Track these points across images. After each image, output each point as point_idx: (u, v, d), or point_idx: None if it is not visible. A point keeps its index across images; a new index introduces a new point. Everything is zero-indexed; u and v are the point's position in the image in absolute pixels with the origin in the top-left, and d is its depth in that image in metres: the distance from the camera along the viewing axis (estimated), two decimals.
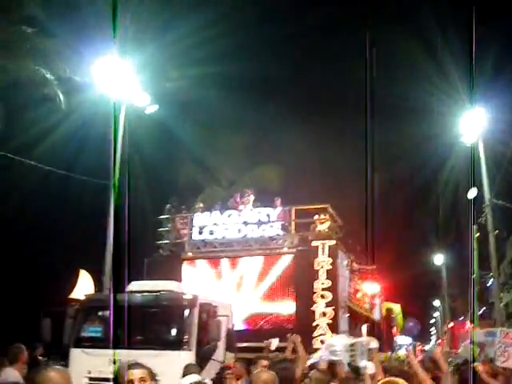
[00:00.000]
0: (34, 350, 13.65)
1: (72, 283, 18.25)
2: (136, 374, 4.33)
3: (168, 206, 19.94)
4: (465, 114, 21.98)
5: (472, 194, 21.30)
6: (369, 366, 9.09)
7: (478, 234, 26.03)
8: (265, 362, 7.42)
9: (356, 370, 9.10)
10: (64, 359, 12.27)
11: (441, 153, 26.87)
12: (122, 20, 16.90)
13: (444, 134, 24.69)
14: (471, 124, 21.81)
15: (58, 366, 4.22)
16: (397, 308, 34.18)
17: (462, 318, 46.85)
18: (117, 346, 10.13)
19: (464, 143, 22.17)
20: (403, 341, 46.51)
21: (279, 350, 10.86)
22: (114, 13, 11.02)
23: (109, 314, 11.76)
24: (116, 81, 16.98)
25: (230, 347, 12.70)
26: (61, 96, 17.34)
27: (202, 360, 11.34)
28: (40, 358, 13.67)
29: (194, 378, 6.60)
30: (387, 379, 5.66)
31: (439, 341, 66.45)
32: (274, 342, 11.26)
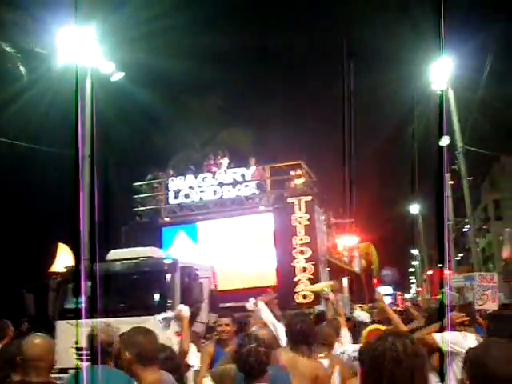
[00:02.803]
0: (20, 326, 13.65)
1: (51, 257, 18.17)
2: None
3: (149, 175, 19.90)
4: (434, 62, 21.90)
5: (444, 141, 21.43)
6: (363, 316, 9.34)
7: (452, 182, 26.28)
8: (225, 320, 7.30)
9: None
10: (49, 332, 12.27)
11: (412, 101, 26.86)
12: None
13: (415, 83, 24.65)
14: (440, 71, 21.76)
15: (41, 334, 4.25)
16: (370, 248, 34.46)
17: (441, 265, 47.56)
18: (100, 315, 10.12)
19: (434, 91, 22.16)
20: (384, 291, 47.22)
21: None
22: None
23: (90, 284, 11.72)
24: (80, 50, 16.66)
25: (212, 308, 12.79)
26: (22, 68, 17.09)
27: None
28: (26, 332, 13.64)
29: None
30: (373, 326, 5.91)
31: (419, 289, 67.64)
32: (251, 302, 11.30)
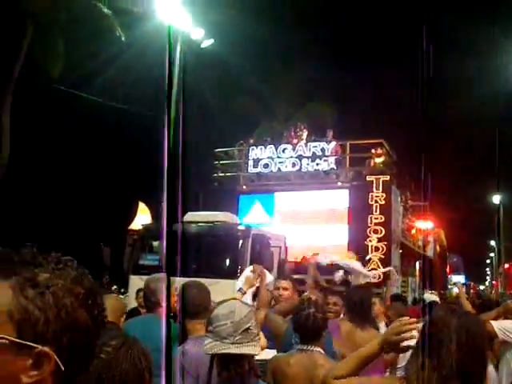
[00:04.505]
0: (101, 278, 14.29)
1: (132, 215, 18.78)
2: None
3: (237, 143, 20.22)
4: None
5: None
6: (431, 298, 9.39)
7: None
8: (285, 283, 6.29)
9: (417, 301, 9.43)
10: (124, 286, 12.81)
11: (503, 87, 26.00)
12: None
13: (507, 69, 23.87)
14: None
15: (113, 294, 4.69)
16: (441, 234, 33.89)
17: None
18: (172, 273, 10.46)
19: None
20: (457, 279, 46.43)
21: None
22: None
23: (165, 243, 12.08)
24: (172, 15, 16.97)
25: (281, 278, 12.93)
26: (119, 29, 17.58)
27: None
28: (105, 284, 14.28)
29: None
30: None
31: (494, 281, 65.88)
32: (338, 275, 11.32)
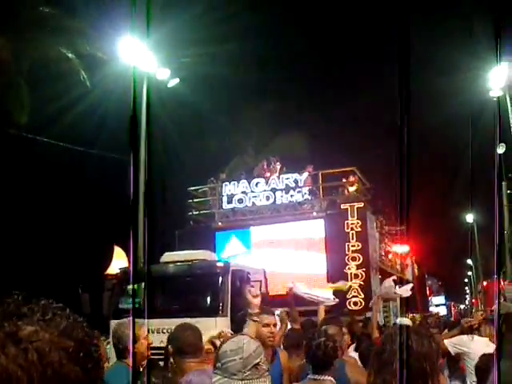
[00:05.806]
0: None
1: (107, 260, 18.58)
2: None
3: (209, 180, 20.18)
4: (492, 68, 21.51)
5: (501, 149, 21.03)
6: (404, 321, 9.28)
7: (510, 191, 25.72)
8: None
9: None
10: (104, 331, 12.58)
11: (471, 108, 26.38)
12: None
13: (473, 89, 24.27)
14: (499, 78, 21.40)
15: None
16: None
17: (496, 276, 46.43)
18: (154, 315, 10.38)
19: (493, 98, 21.76)
20: (438, 300, 46.61)
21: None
22: None
23: (144, 285, 11.94)
24: (136, 57, 17.03)
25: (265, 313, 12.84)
26: (83, 73, 17.61)
27: (238, 325, 11.52)
28: None
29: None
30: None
31: (473, 300, 66.10)
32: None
